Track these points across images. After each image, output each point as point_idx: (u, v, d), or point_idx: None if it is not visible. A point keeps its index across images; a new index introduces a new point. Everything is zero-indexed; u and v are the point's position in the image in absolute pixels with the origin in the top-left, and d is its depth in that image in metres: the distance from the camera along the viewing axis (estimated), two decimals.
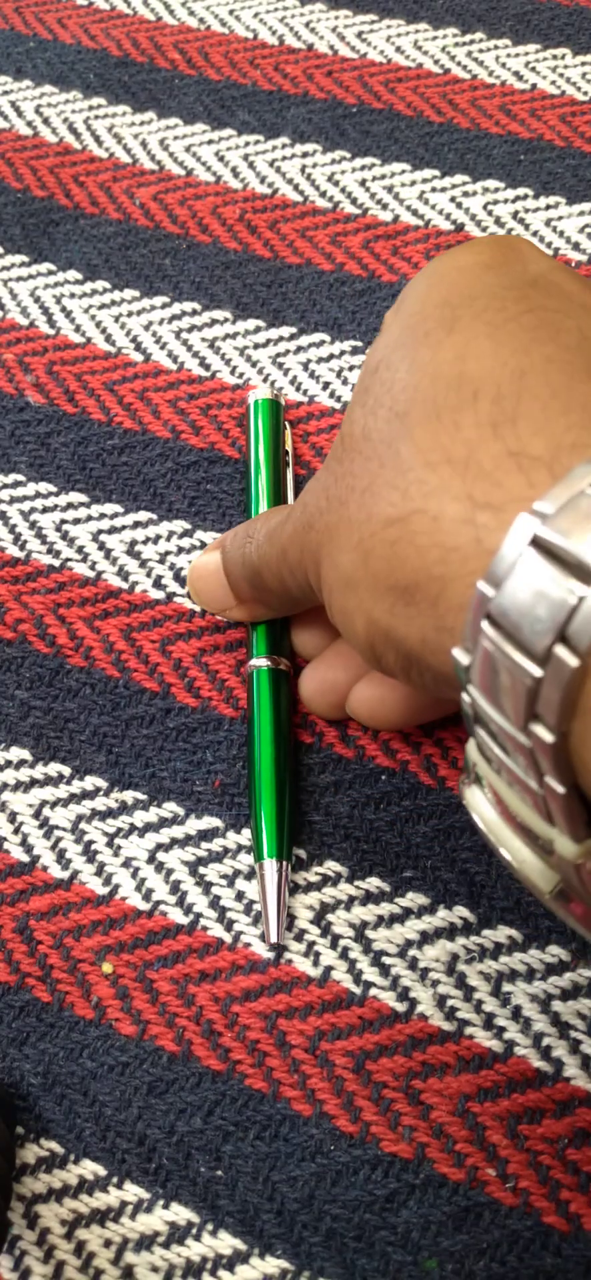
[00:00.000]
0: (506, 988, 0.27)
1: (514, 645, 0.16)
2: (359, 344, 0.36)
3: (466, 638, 0.18)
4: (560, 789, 0.17)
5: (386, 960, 0.27)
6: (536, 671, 0.16)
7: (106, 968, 0.28)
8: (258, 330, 0.37)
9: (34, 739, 0.31)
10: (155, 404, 0.36)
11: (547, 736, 0.16)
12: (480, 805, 0.20)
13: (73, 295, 0.38)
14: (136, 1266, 0.25)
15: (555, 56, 0.42)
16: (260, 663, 0.30)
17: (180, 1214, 0.25)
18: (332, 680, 0.29)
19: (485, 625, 0.17)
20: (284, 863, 0.28)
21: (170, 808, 0.30)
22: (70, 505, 0.34)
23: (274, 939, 0.27)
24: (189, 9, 0.45)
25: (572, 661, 0.16)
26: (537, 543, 0.16)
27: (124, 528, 0.34)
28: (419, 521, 0.20)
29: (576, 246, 0.38)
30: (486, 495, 0.19)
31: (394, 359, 0.22)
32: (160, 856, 0.29)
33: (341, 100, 0.42)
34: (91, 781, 0.30)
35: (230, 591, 0.29)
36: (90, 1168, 0.26)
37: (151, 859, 0.29)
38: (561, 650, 0.16)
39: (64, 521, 0.34)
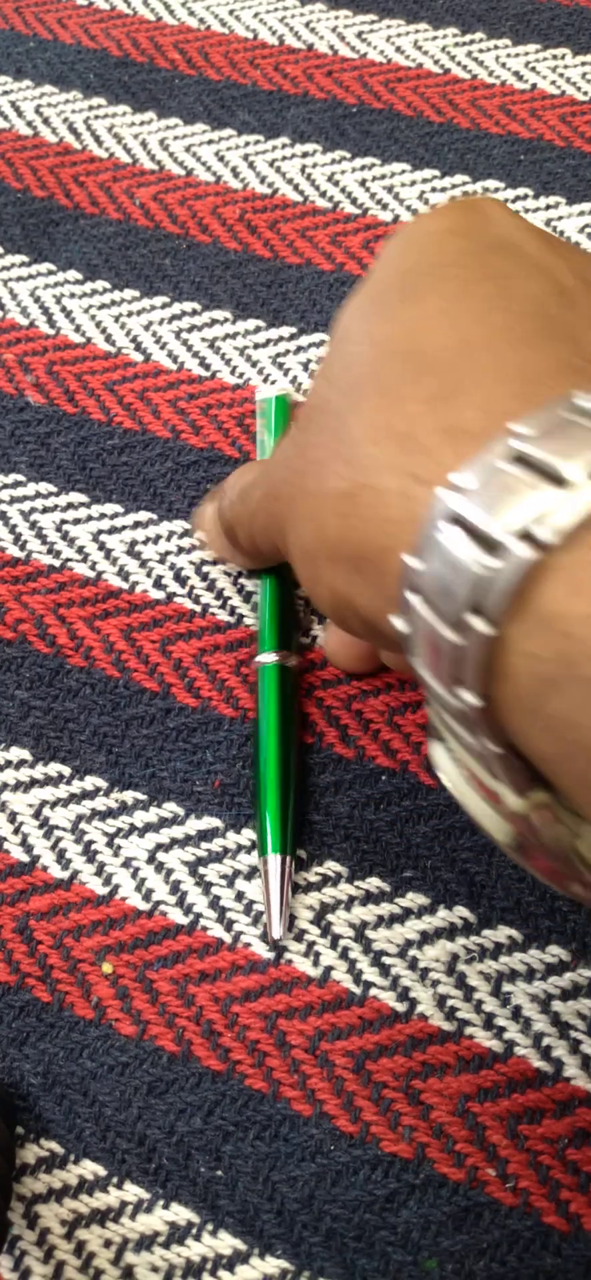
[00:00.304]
0: (506, 988, 0.27)
1: (435, 614, 0.17)
2: None
3: (402, 607, 0.18)
4: (496, 749, 0.17)
5: (386, 960, 0.27)
6: (455, 639, 0.17)
7: (106, 968, 0.28)
8: (258, 330, 0.37)
9: (34, 739, 0.31)
10: (155, 404, 0.36)
11: (474, 701, 0.17)
12: (443, 762, 0.21)
13: (73, 295, 0.38)
14: (136, 1267, 0.25)
15: (555, 56, 0.42)
16: (268, 658, 0.30)
17: (180, 1214, 0.25)
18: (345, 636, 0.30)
19: (410, 596, 0.18)
20: (287, 858, 0.28)
21: (170, 808, 0.30)
22: (70, 505, 0.34)
23: (276, 935, 0.27)
24: (189, 9, 0.45)
25: (487, 630, 0.16)
26: (454, 516, 0.17)
27: (124, 528, 0.34)
28: (365, 495, 0.20)
29: (576, 247, 0.38)
30: (422, 470, 0.19)
31: (354, 330, 0.22)
32: (160, 856, 0.29)
33: (341, 100, 0.42)
34: (91, 781, 0.30)
35: (227, 541, 0.30)
36: (90, 1168, 0.26)
37: (151, 859, 0.29)
38: (475, 620, 0.16)
39: (64, 521, 0.34)
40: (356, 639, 0.29)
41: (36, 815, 0.30)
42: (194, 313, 0.37)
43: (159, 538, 0.33)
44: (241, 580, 0.32)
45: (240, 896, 0.28)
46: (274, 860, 0.28)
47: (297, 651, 0.31)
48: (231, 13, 0.45)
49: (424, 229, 0.23)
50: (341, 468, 0.21)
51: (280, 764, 0.29)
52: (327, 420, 0.21)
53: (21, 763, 0.30)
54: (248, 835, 0.29)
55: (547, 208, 0.39)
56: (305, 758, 0.30)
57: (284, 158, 0.41)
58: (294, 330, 0.37)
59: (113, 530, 0.34)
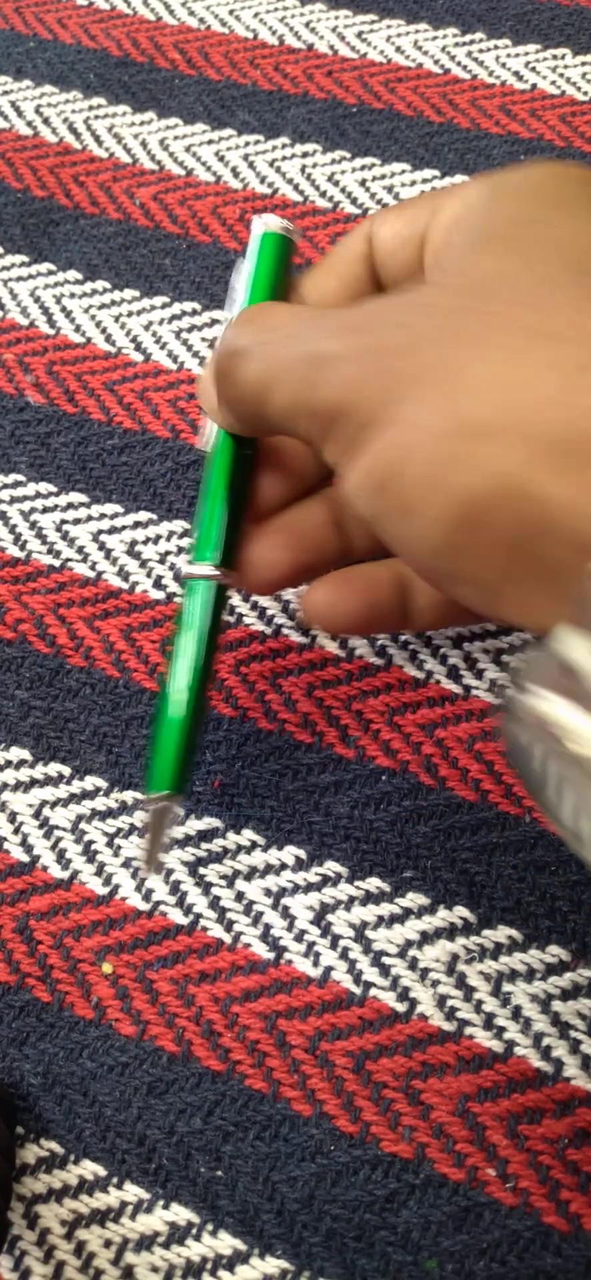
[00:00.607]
0: (506, 988, 0.27)
1: None
2: None
3: None
4: None
5: (386, 960, 0.27)
6: None
7: (106, 968, 0.28)
8: None
9: (34, 739, 0.31)
10: (155, 404, 0.36)
11: None
12: (556, 708, 0.16)
13: (73, 295, 0.38)
14: (136, 1267, 0.25)
15: (555, 56, 0.42)
16: (204, 570, 0.25)
17: (180, 1214, 0.25)
18: (277, 559, 0.25)
19: None
20: (178, 798, 0.25)
21: None
22: (70, 505, 0.34)
23: (147, 870, 0.25)
24: (189, 9, 0.45)
25: None
26: None
27: (124, 528, 0.34)
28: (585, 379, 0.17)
29: None
30: None
31: (546, 216, 0.19)
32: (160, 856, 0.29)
33: (341, 100, 0.42)
34: (91, 781, 0.30)
35: (225, 386, 0.23)
36: (90, 1168, 0.26)
37: None
38: None
39: (64, 521, 0.34)
40: (353, 591, 0.25)
41: (36, 815, 0.30)
42: (194, 313, 0.37)
43: (159, 538, 0.33)
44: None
45: (240, 896, 0.28)
46: (163, 799, 0.24)
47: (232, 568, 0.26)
48: (231, 13, 0.45)
49: (549, 171, 0.21)
50: (569, 349, 0.17)
51: (195, 698, 0.25)
52: (545, 296, 0.18)
53: (22, 763, 0.30)
54: (248, 835, 0.29)
55: None
56: (304, 757, 0.30)
57: (284, 158, 0.41)
58: None
59: (113, 530, 0.34)
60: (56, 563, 0.33)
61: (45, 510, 0.34)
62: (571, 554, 0.17)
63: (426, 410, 0.18)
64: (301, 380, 0.20)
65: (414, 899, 0.28)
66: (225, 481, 0.25)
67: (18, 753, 0.31)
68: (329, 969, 0.27)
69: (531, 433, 0.17)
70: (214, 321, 0.37)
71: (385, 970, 0.27)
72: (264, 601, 0.32)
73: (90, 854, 0.29)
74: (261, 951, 0.28)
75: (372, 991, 0.27)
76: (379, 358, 0.19)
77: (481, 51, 0.43)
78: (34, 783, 0.30)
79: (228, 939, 0.28)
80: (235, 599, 0.32)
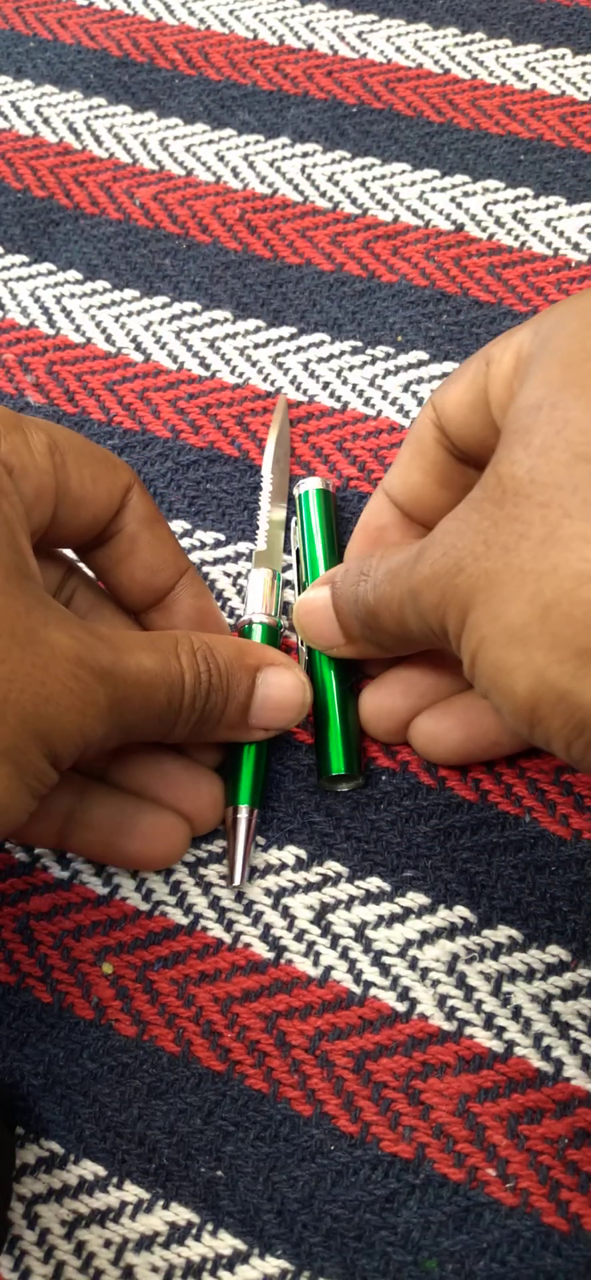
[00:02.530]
0: (506, 988, 0.27)
1: None
2: (359, 344, 0.36)
3: None
4: None
5: (386, 960, 0.27)
6: None
7: (106, 968, 0.28)
8: (258, 330, 0.37)
9: None
10: (155, 404, 0.36)
11: None
12: None
13: (73, 295, 0.38)
14: (136, 1267, 0.25)
15: (555, 56, 0.42)
16: (255, 619, 0.30)
17: (180, 1214, 0.25)
18: (391, 707, 0.29)
19: None
20: (255, 810, 0.28)
21: None
22: None
23: (237, 882, 0.28)
24: (189, 9, 0.45)
25: None
26: None
27: None
28: None
29: (576, 246, 0.38)
30: None
31: (562, 399, 0.21)
32: None
33: (341, 100, 0.42)
34: None
35: (339, 629, 0.28)
36: (90, 1168, 0.26)
37: None
38: None
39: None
40: (392, 713, 0.29)
41: None
42: (194, 313, 0.37)
43: None
44: (240, 581, 0.32)
45: (240, 896, 0.28)
46: (243, 811, 0.28)
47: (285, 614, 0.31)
48: (231, 13, 0.45)
49: None
50: (586, 549, 0.19)
51: None
52: (548, 494, 0.20)
53: None
54: None
55: (547, 208, 0.39)
56: (304, 758, 0.30)
57: (284, 158, 0.41)
58: (294, 330, 0.37)
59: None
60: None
61: None
62: None
63: (482, 621, 0.21)
64: (414, 615, 0.24)
65: (414, 899, 0.28)
66: (338, 697, 0.29)
67: None
68: (329, 969, 0.27)
69: (559, 641, 0.20)
70: (213, 321, 0.37)
71: (385, 970, 0.27)
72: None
73: None
74: (261, 951, 0.28)
75: (373, 991, 0.27)
76: (446, 581, 0.22)
77: (481, 51, 0.43)
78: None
79: (228, 939, 0.28)
80: (233, 599, 0.32)
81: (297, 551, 0.32)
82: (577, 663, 0.20)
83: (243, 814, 0.28)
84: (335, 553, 0.31)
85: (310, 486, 0.32)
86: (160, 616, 0.29)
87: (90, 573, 0.29)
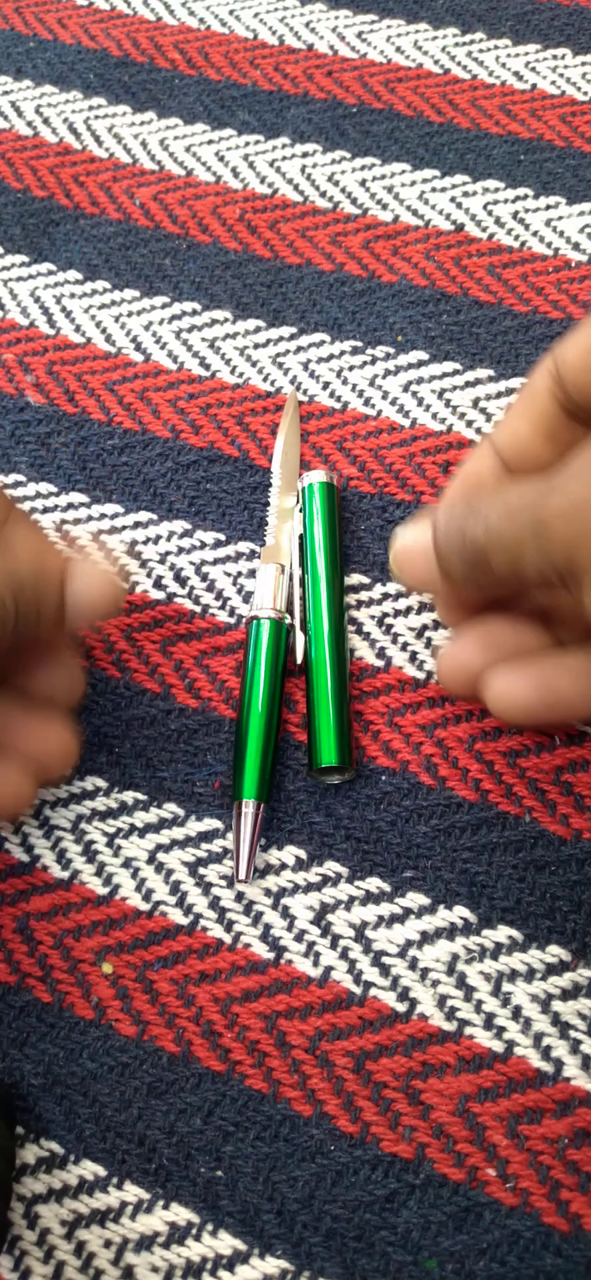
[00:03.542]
0: (506, 988, 0.27)
1: None
2: (359, 344, 0.36)
3: None
4: None
5: (386, 960, 0.27)
6: None
7: (106, 968, 0.28)
8: (258, 330, 0.37)
9: None
10: (155, 404, 0.36)
11: None
12: None
13: (73, 295, 0.38)
14: (136, 1267, 0.25)
15: (555, 56, 0.42)
16: (264, 614, 0.30)
17: (180, 1214, 0.25)
18: (468, 660, 0.28)
19: None
20: (262, 805, 0.28)
21: (170, 808, 0.30)
22: (70, 505, 0.34)
23: (242, 877, 0.28)
24: (189, 9, 0.45)
25: None
26: None
27: (124, 528, 0.34)
28: None
29: (576, 246, 0.38)
30: None
31: None
32: (160, 857, 0.29)
33: (341, 100, 0.42)
34: (92, 782, 0.30)
35: (436, 569, 0.27)
36: (90, 1168, 0.26)
37: (151, 859, 0.29)
38: None
39: (64, 522, 0.34)
40: (468, 669, 0.28)
41: (37, 815, 0.30)
42: (194, 313, 0.37)
43: (159, 538, 0.33)
44: (241, 581, 0.32)
45: (240, 897, 0.28)
46: (249, 806, 0.28)
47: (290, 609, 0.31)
48: (231, 13, 0.45)
49: None
50: None
51: (265, 715, 0.29)
52: None
53: None
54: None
55: (547, 208, 0.39)
56: (304, 758, 0.30)
57: (284, 158, 0.41)
58: (294, 330, 0.37)
59: (113, 530, 0.34)
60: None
61: (45, 510, 0.34)
62: None
63: None
64: (536, 552, 0.23)
65: (414, 899, 0.28)
66: (332, 690, 0.29)
67: None
68: (329, 969, 0.27)
69: None
70: (213, 321, 0.37)
71: (385, 970, 0.27)
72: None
73: (90, 854, 0.29)
74: (261, 951, 0.28)
75: (372, 991, 0.27)
76: (586, 515, 0.22)
77: (481, 51, 0.43)
78: None
79: (228, 939, 0.28)
80: (234, 599, 0.32)
81: (300, 538, 0.32)
82: None
83: (249, 808, 0.28)
84: (335, 545, 0.31)
85: (314, 480, 0.32)
86: None
87: None
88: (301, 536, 0.32)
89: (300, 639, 0.30)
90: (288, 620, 0.31)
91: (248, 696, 0.30)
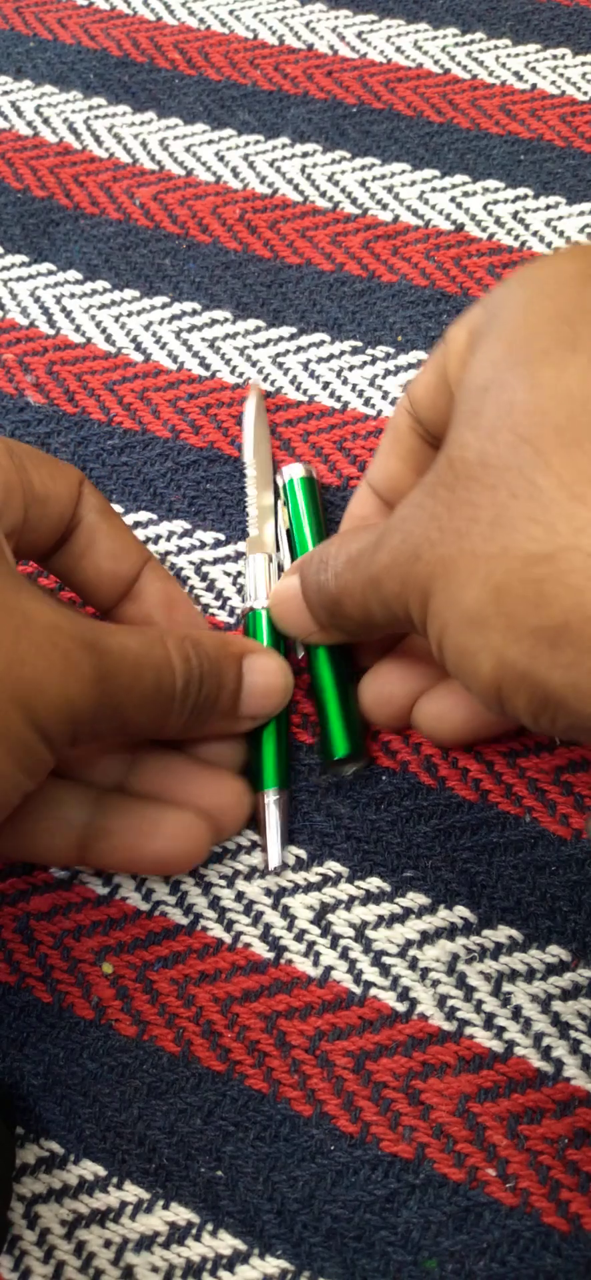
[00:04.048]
0: (506, 988, 0.27)
1: None
2: (359, 344, 0.36)
3: None
4: None
5: (386, 960, 0.27)
6: None
7: (106, 968, 0.28)
8: (258, 330, 0.37)
9: None
10: (155, 404, 0.36)
11: None
12: None
13: (73, 295, 0.38)
14: (136, 1267, 0.25)
15: (555, 56, 0.42)
16: (259, 605, 0.30)
17: (180, 1214, 0.25)
18: (390, 693, 0.29)
19: None
20: (285, 792, 0.28)
21: None
22: None
23: (275, 864, 0.28)
24: (189, 9, 0.45)
25: None
26: None
27: None
28: (571, 559, 0.19)
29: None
30: None
31: (508, 379, 0.21)
32: None
33: (341, 100, 0.42)
34: None
35: (310, 618, 0.28)
36: (90, 1168, 0.26)
37: None
38: None
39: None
40: (391, 699, 0.29)
41: None
42: (194, 313, 0.37)
43: (159, 538, 0.33)
44: (241, 581, 0.32)
45: (240, 896, 0.28)
46: (272, 795, 0.28)
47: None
48: (231, 13, 0.45)
49: (553, 275, 0.22)
50: (532, 528, 0.19)
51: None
52: (496, 475, 0.20)
53: None
54: (248, 835, 0.29)
55: (547, 208, 0.39)
56: (305, 758, 0.30)
57: (284, 158, 0.41)
58: (294, 330, 0.37)
59: None
60: None
61: None
62: (585, 722, 0.20)
63: (442, 607, 0.21)
64: (377, 603, 0.24)
65: (414, 899, 0.28)
66: (335, 682, 0.29)
67: None
68: (329, 969, 0.27)
69: (513, 622, 0.20)
70: (214, 321, 0.37)
71: (385, 970, 0.27)
72: None
73: None
74: (261, 951, 0.28)
75: (373, 991, 0.27)
76: (406, 568, 0.22)
77: (481, 51, 0.43)
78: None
79: (228, 939, 0.28)
80: (234, 599, 0.32)
81: (288, 532, 0.32)
82: (532, 641, 0.20)
83: (270, 797, 0.28)
84: (324, 537, 0.32)
85: (295, 473, 0.32)
86: (131, 607, 0.29)
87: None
88: (289, 531, 0.32)
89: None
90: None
91: None
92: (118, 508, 0.34)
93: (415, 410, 0.27)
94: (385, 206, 0.39)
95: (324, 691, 0.29)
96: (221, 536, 0.33)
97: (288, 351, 0.36)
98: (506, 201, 0.39)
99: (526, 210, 0.39)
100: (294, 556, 0.31)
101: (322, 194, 0.40)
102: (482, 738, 0.29)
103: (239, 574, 0.33)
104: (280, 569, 0.32)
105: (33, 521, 0.26)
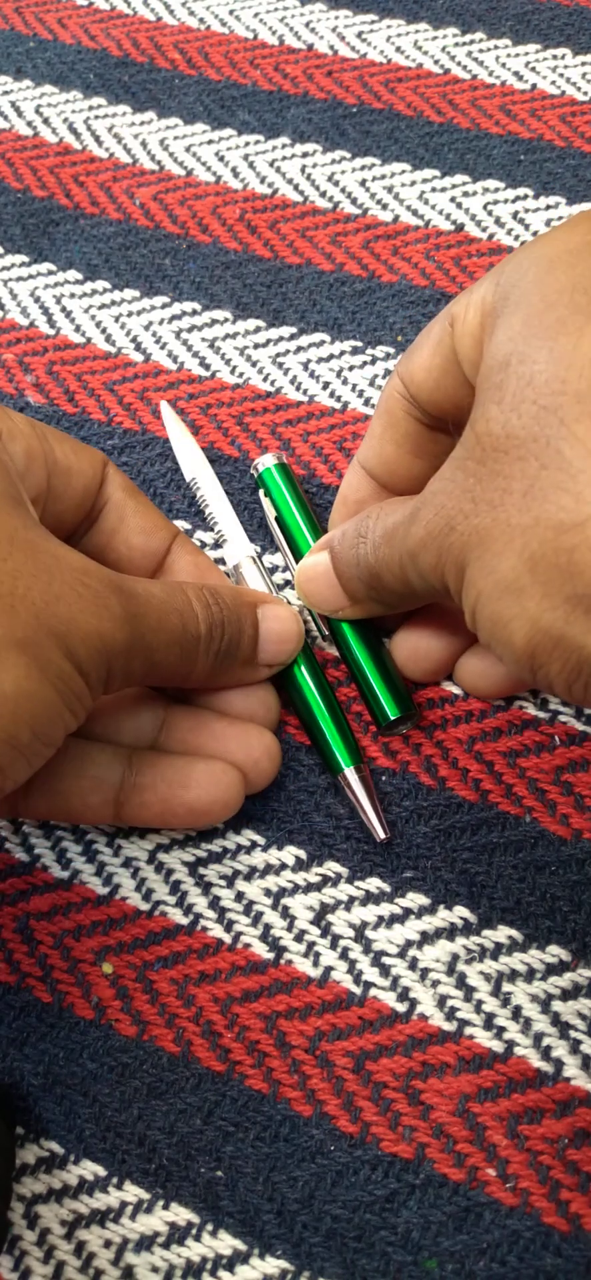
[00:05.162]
0: (506, 988, 0.27)
1: None
2: (359, 344, 0.36)
3: None
4: None
5: (386, 960, 0.27)
6: None
7: (106, 968, 0.28)
8: (258, 330, 0.37)
9: None
10: (155, 404, 0.36)
11: None
12: None
13: (73, 295, 0.38)
14: (136, 1267, 0.25)
15: (555, 56, 0.42)
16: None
17: (180, 1214, 0.25)
18: (427, 648, 0.29)
19: None
20: (363, 765, 0.29)
21: None
22: None
23: (382, 835, 0.28)
24: (189, 9, 0.45)
25: None
26: None
27: None
28: None
29: None
30: None
31: (527, 351, 0.21)
32: (160, 857, 0.29)
33: (341, 100, 0.42)
34: None
35: (342, 592, 0.28)
36: (90, 1168, 0.26)
37: (151, 859, 0.29)
38: None
39: None
40: (428, 654, 0.29)
41: None
42: (194, 313, 0.37)
43: None
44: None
45: (240, 896, 0.28)
46: (351, 772, 0.28)
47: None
48: (231, 13, 0.45)
49: (563, 247, 0.22)
50: (562, 498, 0.20)
51: (321, 686, 0.30)
52: (524, 448, 0.21)
53: None
54: (248, 835, 0.29)
55: (547, 208, 0.39)
56: (305, 758, 0.30)
57: (284, 158, 0.41)
58: (294, 330, 0.37)
59: None
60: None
61: None
62: None
63: (477, 576, 0.22)
64: (416, 575, 0.25)
65: (414, 899, 0.28)
66: (369, 650, 0.30)
67: None
68: (329, 969, 0.27)
69: (549, 589, 0.20)
70: (214, 321, 0.37)
71: (385, 970, 0.27)
72: None
73: (90, 854, 0.29)
74: (261, 951, 0.28)
75: (372, 991, 0.27)
76: (441, 541, 0.23)
77: (481, 51, 0.43)
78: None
79: (228, 939, 0.28)
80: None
81: (277, 519, 0.32)
82: (568, 608, 0.20)
83: (351, 774, 0.28)
84: (311, 517, 0.32)
85: (269, 463, 0.33)
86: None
87: None
88: (277, 518, 0.32)
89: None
90: (288, 600, 0.31)
91: (296, 683, 0.30)
92: None
93: (413, 393, 0.27)
94: (385, 206, 0.39)
95: (362, 662, 0.30)
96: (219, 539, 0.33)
97: (287, 351, 0.36)
98: (506, 201, 0.39)
99: (526, 210, 0.39)
100: (287, 539, 0.32)
101: (323, 194, 0.40)
102: (523, 689, 0.30)
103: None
104: (287, 561, 0.32)
105: (57, 491, 0.27)
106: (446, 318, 0.25)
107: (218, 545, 0.33)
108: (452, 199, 0.39)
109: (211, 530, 0.33)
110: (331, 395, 0.35)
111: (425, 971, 0.27)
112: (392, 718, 0.29)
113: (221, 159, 0.41)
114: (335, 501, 0.31)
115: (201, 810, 0.27)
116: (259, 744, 0.28)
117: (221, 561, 0.33)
